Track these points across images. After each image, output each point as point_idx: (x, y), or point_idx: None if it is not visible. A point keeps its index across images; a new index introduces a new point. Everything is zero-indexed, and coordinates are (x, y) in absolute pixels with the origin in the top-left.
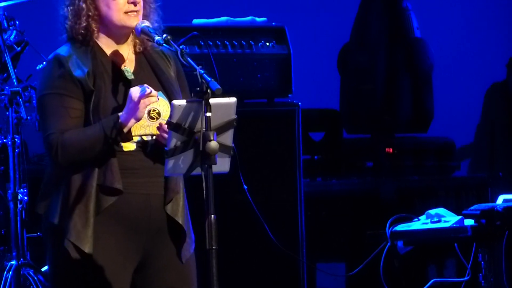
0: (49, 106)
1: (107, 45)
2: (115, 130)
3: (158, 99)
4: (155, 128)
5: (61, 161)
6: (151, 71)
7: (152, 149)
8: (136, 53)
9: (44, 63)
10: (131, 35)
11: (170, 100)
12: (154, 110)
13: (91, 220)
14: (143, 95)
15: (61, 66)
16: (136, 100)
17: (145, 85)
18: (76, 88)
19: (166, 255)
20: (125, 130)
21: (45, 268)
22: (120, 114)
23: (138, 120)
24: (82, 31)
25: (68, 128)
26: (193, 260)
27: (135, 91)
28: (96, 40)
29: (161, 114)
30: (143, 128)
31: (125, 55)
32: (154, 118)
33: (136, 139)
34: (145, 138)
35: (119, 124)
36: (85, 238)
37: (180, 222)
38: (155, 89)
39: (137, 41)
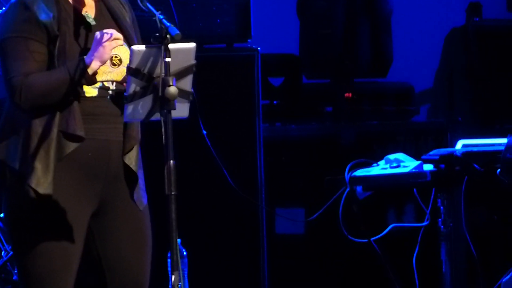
0: (13, 50)
1: None
2: (80, 72)
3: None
4: (117, 74)
5: (24, 104)
6: (110, 17)
7: (113, 96)
8: (95, 0)
9: (4, 7)
10: None
11: (130, 47)
12: (116, 57)
13: (51, 166)
14: (111, 37)
15: (26, 10)
16: (103, 41)
17: (111, 29)
18: (41, 32)
19: (122, 202)
20: (90, 72)
21: (1, 214)
22: (85, 57)
23: (103, 62)
24: None
25: (32, 71)
26: (147, 209)
27: (102, 33)
28: None
29: (123, 60)
30: (105, 74)
31: (85, 1)
32: (116, 65)
33: (98, 85)
34: (106, 84)
35: (85, 66)
36: (45, 183)
37: (135, 170)
38: None
39: None
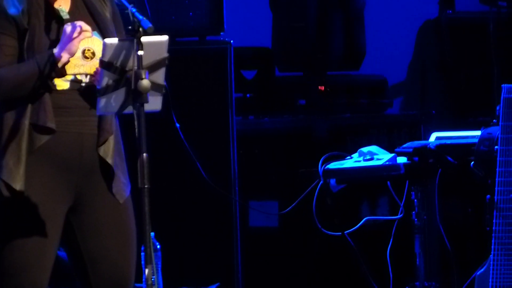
0: None
1: None
2: (49, 65)
3: (92, 35)
4: (89, 68)
5: None
6: (86, 11)
7: (86, 89)
8: None
9: None
10: None
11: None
12: (89, 50)
13: (23, 158)
14: (79, 29)
15: None
16: (69, 33)
17: (80, 21)
18: (11, 25)
19: (100, 195)
20: (60, 65)
21: None
22: (54, 49)
23: (72, 54)
24: None
25: (1, 65)
26: (130, 202)
27: (70, 25)
28: None
29: (96, 53)
30: (77, 67)
31: None
32: (88, 58)
33: (70, 77)
34: (79, 77)
35: (53, 59)
36: (17, 176)
37: (110, 162)
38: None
39: None
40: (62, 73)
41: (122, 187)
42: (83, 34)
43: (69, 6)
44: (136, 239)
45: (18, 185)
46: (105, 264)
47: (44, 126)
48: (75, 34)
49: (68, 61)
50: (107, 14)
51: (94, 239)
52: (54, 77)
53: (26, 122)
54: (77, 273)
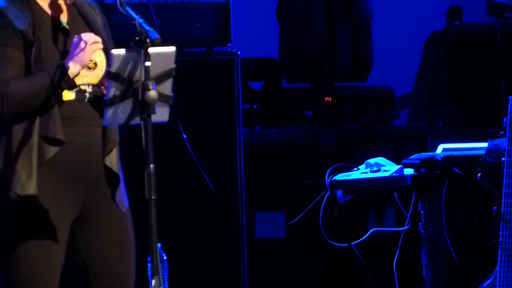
0: None
1: None
2: (61, 77)
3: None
4: (92, 78)
5: (6, 111)
6: (83, 22)
7: (91, 99)
8: (67, 5)
9: None
10: None
11: (103, 50)
12: (91, 60)
13: (35, 171)
14: (89, 40)
15: (1, 17)
16: (80, 45)
17: (89, 33)
18: (18, 38)
19: (104, 205)
20: (71, 76)
21: None
22: (64, 61)
23: (83, 66)
24: None
25: (11, 78)
26: (129, 212)
27: (82, 37)
28: None
29: (98, 64)
30: (81, 78)
31: (59, 7)
32: (91, 68)
33: (75, 88)
34: (82, 87)
35: (65, 70)
36: (30, 189)
37: (116, 172)
38: None
39: None
40: (73, 85)
41: (123, 196)
42: (96, 45)
43: (66, 18)
44: (135, 249)
45: (31, 198)
46: (107, 274)
47: (54, 138)
48: (86, 45)
49: (78, 73)
50: (99, 22)
51: (97, 251)
52: (65, 89)
53: (35, 135)
54: (79, 285)
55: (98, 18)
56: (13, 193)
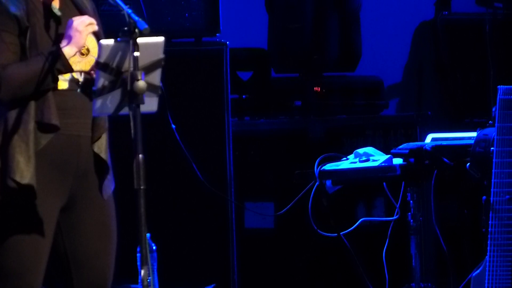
0: None
1: None
2: (58, 59)
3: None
4: (84, 64)
5: (4, 96)
6: (74, 8)
7: (83, 89)
8: None
9: None
10: None
11: (95, 36)
12: (83, 46)
13: (32, 157)
14: (83, 22)
15: None
16: (75, 27)
17: (84, 15)
18: (13, 23)
19: (90, 196)
20: (68, 57)
21: None
22: (60, 44)
23: (79, 48)
24: None
25: (9, 62)
26: (112, 200)
27: (77, 19)
28: None
29: (90, 50)
30: (74, 64)
31: None
32: (84, 54)
33: (67, 76)
34: (75, 76)
35: (61, 53)
36: (28, 175)
37: (104, 158)
38: None
39: None
40: (70, 68)
41: (108, 183)
42: (91, 27)
43: (58, 4)
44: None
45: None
46: (88, 267)
47: (48, 123)
48: (81, 27)
49: (75, 54)
50: (89, 8)
51: (80, 240)
52: (62, 72)
53: (32, 121)
54: (60, 275)
55: (87, 3)
56: (10, 181)
